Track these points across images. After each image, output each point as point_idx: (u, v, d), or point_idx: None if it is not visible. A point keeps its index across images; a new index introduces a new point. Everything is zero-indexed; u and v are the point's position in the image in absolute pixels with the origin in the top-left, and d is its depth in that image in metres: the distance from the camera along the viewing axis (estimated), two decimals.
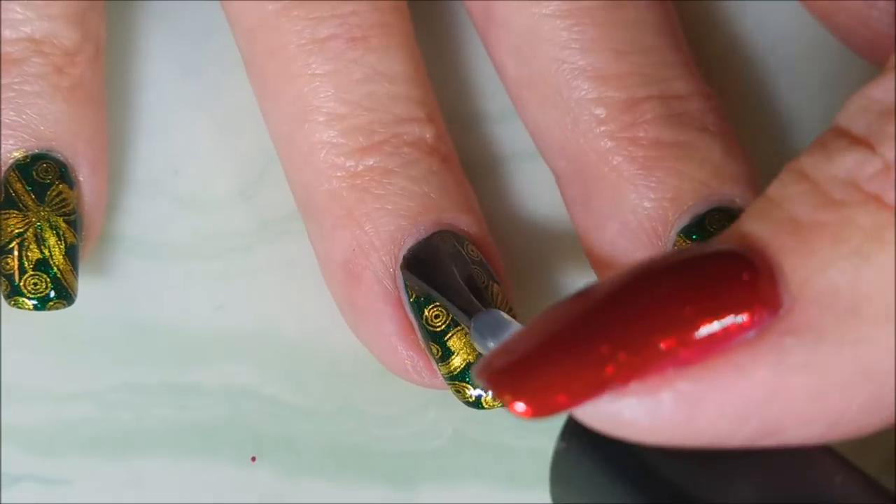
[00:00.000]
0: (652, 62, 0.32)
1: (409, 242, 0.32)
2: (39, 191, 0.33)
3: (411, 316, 0.32)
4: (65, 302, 0.33)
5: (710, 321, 0.22)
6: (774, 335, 0.23)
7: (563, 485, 0.25)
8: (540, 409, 0.23)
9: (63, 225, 0.33)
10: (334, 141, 0.33)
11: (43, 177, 0.33)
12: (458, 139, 0.36)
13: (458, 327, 0.32)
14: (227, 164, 0.36)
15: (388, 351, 0.33)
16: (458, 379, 0.32)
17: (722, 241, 0.24)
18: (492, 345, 0.29)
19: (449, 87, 0.36)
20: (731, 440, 0.23)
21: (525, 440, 0.35)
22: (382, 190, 0.32)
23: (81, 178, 0.34)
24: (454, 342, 0.32)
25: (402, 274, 0.32)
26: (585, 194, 0.33)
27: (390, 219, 0.32)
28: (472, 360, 0.31)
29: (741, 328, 0.23)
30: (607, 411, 0.23)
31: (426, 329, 0.32)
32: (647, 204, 0.32)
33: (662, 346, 0.22)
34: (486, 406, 0.31)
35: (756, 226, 0.24)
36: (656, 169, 0.32)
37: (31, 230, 0.33)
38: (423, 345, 0.32)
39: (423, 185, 0.32)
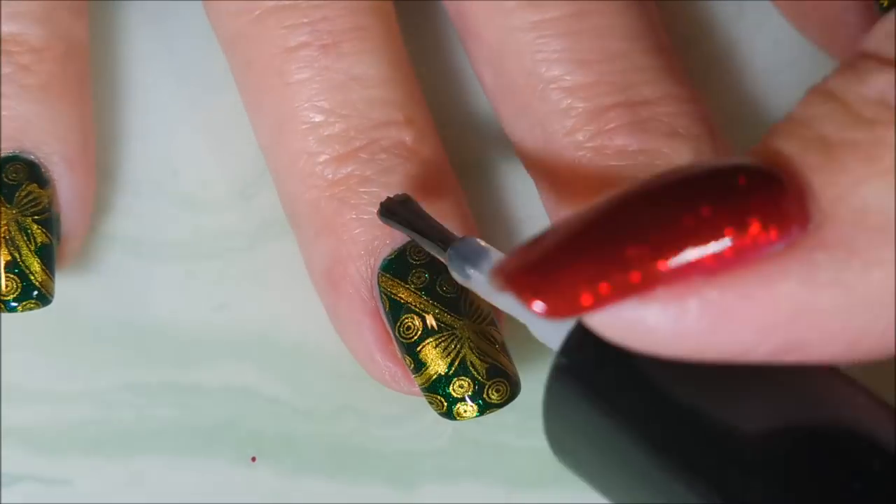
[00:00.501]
0: (619, 69, 0.32)
1: (386, 252, 0.32)
2: (8, 193, 0.33)
3: (388, 326, 0.32)
4: (38, 302, 0.33)
5: (739, 230, 0.22)
6: (804, 250, 0.22)
7: (561, 402, 0.24)
8: (561, 309, 0.22)
9: (33, 225, 0.33)
10: (312, 150, 0.32)
11: (12, 178, 0.33)
12: (456, 139, 0.36)
13: (429, 338, 0.32)
14: (227, 164, 0.36)
15: (368, 360, 0.33)
16: (430, 391, 0.32)
17: (749, 157, 0.23)
18: (472, 272, 0.28)
19: (446, 87, 0.36)
20: (752, 354, 0.23)
21: (525, 440, 0.35)
22: (358, 199, 0.32)
23: (56, 177, 0.33)
24: (425, 354, 0.31)
25: (381, 219, 0.31)
26: (558, 204, 0.33)
27: (365, 229, 0.32)
28: (441, 373, 0.31)
29: (769, 240, 0.22)
30: (630, 317, 0.23)
31: (399, 340, 0.32)
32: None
33: (690, 252, 0.22)
34: (457, 418, 0.31)
35: (783, 143, 0.23)
36: (618, 179, 0.32)
37: None
38: (400, 355, 0.32)
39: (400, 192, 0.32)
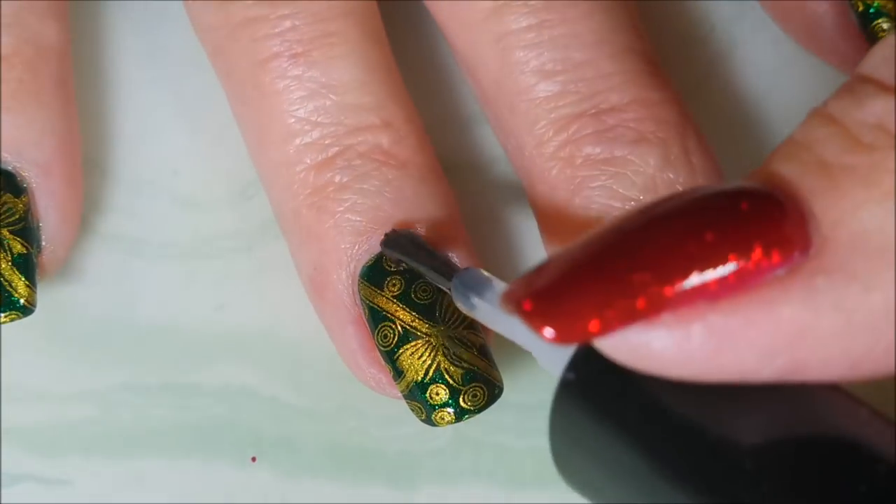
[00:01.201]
0: (583, 78, 0.32)
1: (365, 258, 0.32)
2: None
3: (372, 332, 0.32)
4: (18, 313, 0.32)
5: (741, 256, 0.23)
6: (805, 274, 0.23)
7: (567, 420, 0.25)
8: (570, 335, 0.23)
9: (9, 236, 0.33)
10: (290, 160, 0.33)
11: None
12: (456, 139, 0.36)
13: (405, 346, 0.32)
14: (227, 164, 0.36)
15: (354, 366, 0.33)
16: (409, 398, 0.32)
17: (750, 180, 0.24)
18: (476, 301, 0.29)
19: (445, 87, 0.36)
20: (755, 376, 0.23)
21: (525, 440, 0.35)
22: (337, 206, 0.32)
23: (32, 184, 0.33)
24: (402, 361, 0.32)
25: (382, 249, 0.32)
26: (536, 209, 0.33)
27: (343, 236, 0.32)
28: (418, 381, 0.31)
29: (771, 265, 0.23)
30: (636, 342, 0.23)
31: (379, 347, 0.32)
32: (579, 224, 0.32)
33: (694, 278, 0.23)
34: (437, 424, 0.32)
35: (784, 167, 0.24)
36: (585, 189, 0.32)
37: None
38: (383, 361, 0.32)
39: (376, 198, 0.32)
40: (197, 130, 0.36)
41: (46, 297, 0.35)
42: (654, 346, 0.23)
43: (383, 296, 0.32)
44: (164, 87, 0.36)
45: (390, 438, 0.35)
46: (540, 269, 0.23)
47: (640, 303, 0.23)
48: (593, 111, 0.32)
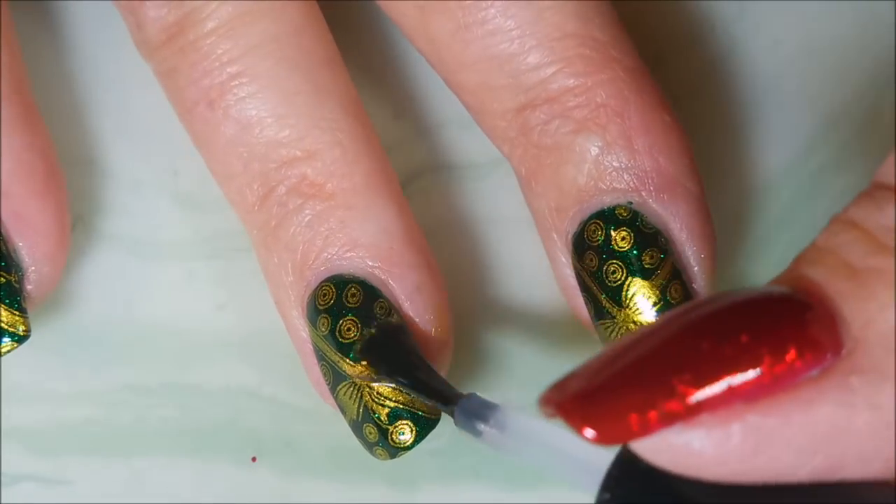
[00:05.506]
0: (515, 71, 0.32)
1: (305, 294, 0.32)
2: None
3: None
4: (15, 343, 0.32)
5: (776, 358, 0.23)
6: (839, 374, 0.23)
7: None
8: (611, 435, 0.23)
9: None
10: (236, 200, 0.33)
11: None
12: (457, 139, 0.36)
13: (339, 386, 0.32)
14: None
15: (321, 396, 0.33)
16: (355, 434, 0.32)
17: (779, 285, 0.25)
18: (482, 427, 0.29)
19: (441, 88, 0.36)
20: (793, 475, 0.24)
21: None
22: (279, 246, 0.32)
23: None
24: (340, 400, 0.32)
25: (364, 358, 0.31)
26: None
27: (286, 275, 0.32)
28: (354, 419, 0.32)
29: (805, 366, 0.23)
30: (675, 442, 0.23)
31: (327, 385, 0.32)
32: (543, 211, 0.32)
33: (731, 379, 0.23)
34: (379, 458, 0.32)
35: (811, 271, 0.24)
36: (540, 178, 0.32)
37: None
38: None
39: (308, 233, 0.32)
40: None
41: (46, 297, 0.35)
42: (694, 446, 0.23)
43: (317, 334, 0.32)
44: None
45: None
46: (577, 374, 0.24)
47: (680, 404, 0.23)
48: (530, 104, 0.32)
